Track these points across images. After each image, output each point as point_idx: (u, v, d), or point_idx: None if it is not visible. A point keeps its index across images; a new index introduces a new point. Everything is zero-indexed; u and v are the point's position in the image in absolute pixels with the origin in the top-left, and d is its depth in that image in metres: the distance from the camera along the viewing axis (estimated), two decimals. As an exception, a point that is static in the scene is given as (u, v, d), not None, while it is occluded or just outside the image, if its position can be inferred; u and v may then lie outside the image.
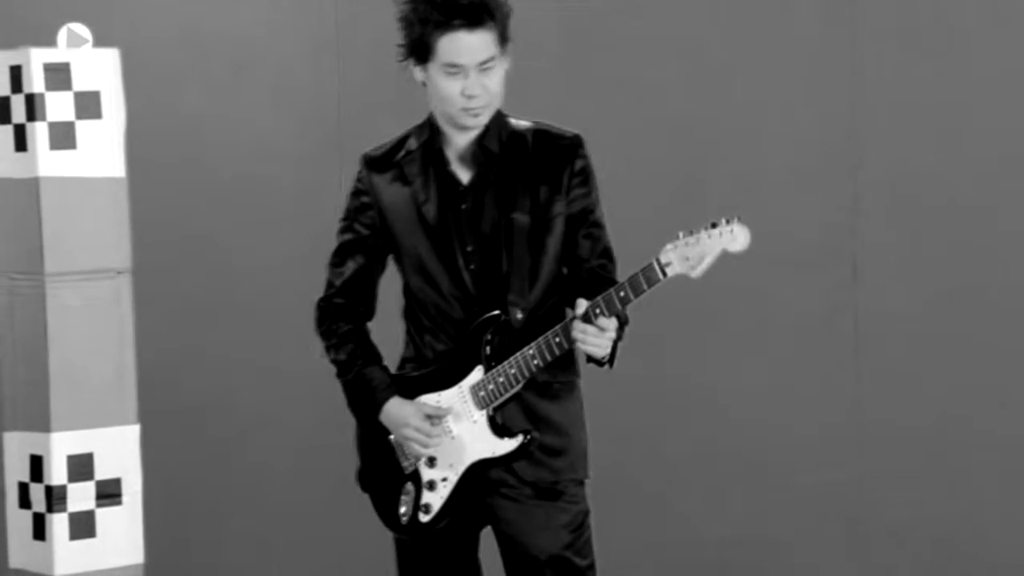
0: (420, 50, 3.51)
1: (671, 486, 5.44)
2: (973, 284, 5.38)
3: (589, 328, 3.41)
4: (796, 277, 5.41)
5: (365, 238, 3.65)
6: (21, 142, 3.86)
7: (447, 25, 3.45)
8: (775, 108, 5.41)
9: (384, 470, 3.65)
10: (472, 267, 3.56)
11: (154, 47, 5.22)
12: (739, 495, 5.44)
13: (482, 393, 3.54)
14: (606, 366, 3.51)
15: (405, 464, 3.62)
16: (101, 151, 3.90)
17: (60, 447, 3.88)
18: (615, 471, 5.34)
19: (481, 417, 3.54)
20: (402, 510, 3.61)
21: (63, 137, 3.86)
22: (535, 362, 3.49)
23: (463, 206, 3.57)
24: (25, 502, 3.94)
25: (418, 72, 3.55)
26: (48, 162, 3.85)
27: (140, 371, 3.99)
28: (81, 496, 3.90)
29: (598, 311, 3.41)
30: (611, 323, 3.41)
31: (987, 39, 5.37)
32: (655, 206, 5.28)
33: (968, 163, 5.38)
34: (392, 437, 3.63)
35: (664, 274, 3.39)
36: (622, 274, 3.51)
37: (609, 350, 3.44)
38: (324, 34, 5.37)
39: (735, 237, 3.40)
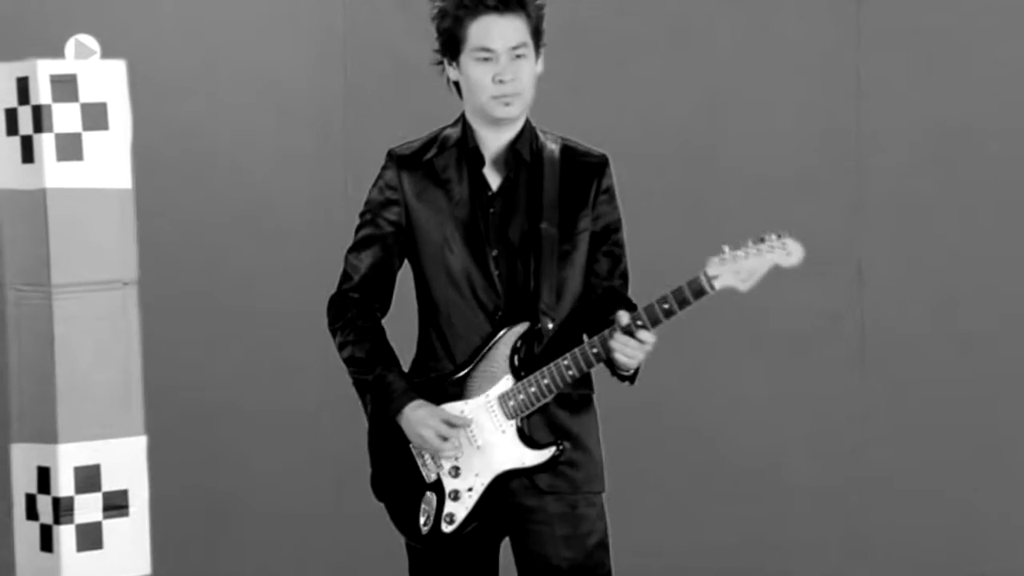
0: (452, 44, 3.52)
1: (674, 492, 5.44)
2: (978, 289, 5.38)
3: (630, 340, 3.40)
4: (801, 282, 5.40)
5: (388, 234, 3.60)
6: (28, 154, 3.86)
7: (478, 9, 3.48)
8: (779, 113, 5.42)
9: (403, 478, 3.61)
10: (498, 272, 3.54)
11: (161, 58, 5.23)
12: (742, 501, 5.44)
13: (512, 403, 3.50)
14: (627, 383, 3.52)
15: (426, 473, 3.57)
16: (108, 162, 3.90)
17: (67, 459, 3.88)
18: (618, 478, 5.34)
19: (510, 427, 3.51)
20: (422, 520, 3.57)
21: (70, 148, 3.86)
22: (570, 372, 3.46)
23: (491, 210, 3.55)
24: (32, 514, 3.94)
25: (451, 70, 3.55)
26: (55, 173, 3.85)
27: (147, 382, 3.99)
28: (88, 507, 3.90)
29: (639, 323, 3.40)
30: (651, 337, 3.41)
31: (992, 45, 5.38)
32: (659, 213, 5.28)
33: (972, 168, 5.38)
34: (412, 445, 3.58)
35: (712, 288, 3.40)
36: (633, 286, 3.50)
37: (641, 362, 3.44)
38: (329, 43, 5.37)
39: (789, 252, 3.42)
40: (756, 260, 3.40)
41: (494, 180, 3.57)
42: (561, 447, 3.51)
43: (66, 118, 3.85)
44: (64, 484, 3.88)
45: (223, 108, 5.33)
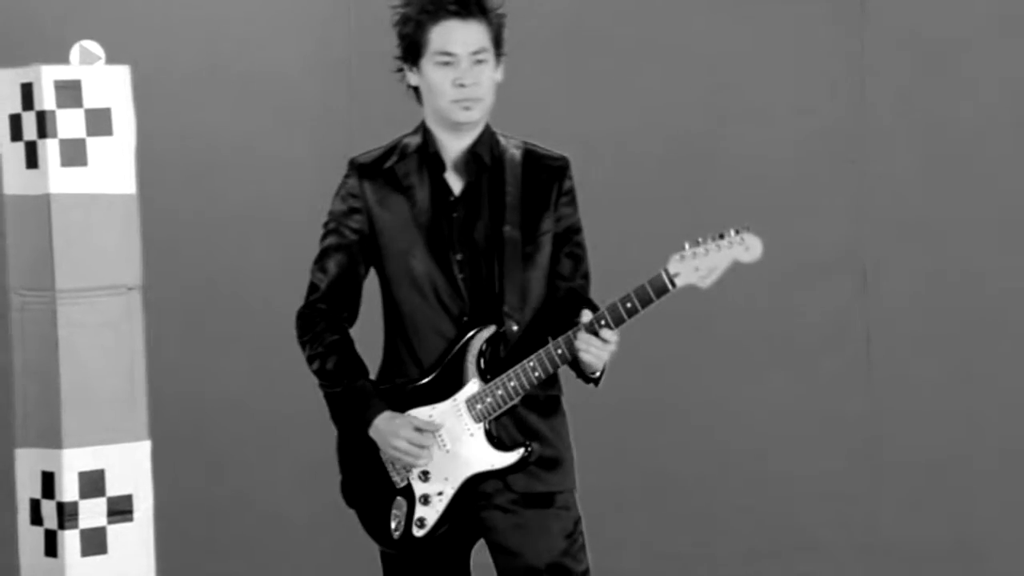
0: (413, 49, 3.54)
1: (682, 497, 5.44)
2: (983, 293, 5.38)
3: (593, 339, 3.41)
4: (805, 288, 5.41)
5: (352, 243, 3.61)
6: (32, 159, 3.87)
7: (439, 14, 3.50)
8: (782, 118, 5.42)
9: (372, 484, 3.62)
10: (462, 276, 3.55)
11: (165, 63, 5.23)
12: (749, 509, 5.43)
13: (479, 406, 3.51)
14: (592, 384, 3.52)
15: (396, 479, 3.58)
16: (112, 167, 3.91)
17: (71, 463, 3.88)
18: (625, 485, 5.34)
19: (478, 430, 3.52)
20: (393, 524, 3.58)
21: (74, 154, 3.87)
22: (535, 374, 3.47)
23: (454, 215, 3.56)
24: (37, 519, 3.94)
25: (412, 75, 3.58)
26: (59, 179, 3.86)
27: (151, 387, 3.99)
28: (93, 512, 3.90)
29: (603, 322, 3.41)
30: (614, 336, 3.42)
31: (996, 49, 5.37)
32: (660, 218, 5.28)
33: (976, 172, 5.38)
34: (382, 452, 3.59)
35: (673, 285, 3.40)
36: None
37: (606, 362, 3.45)
38: (334, 48, 5.38)
39: (747, 247, 3.40)
40: (716, 256, 3.39)
41: (456, 185, 3.58)
42: (529, 448, 3.52)
43: (70, 124, 3.86)
44: (68, 489, 3.88)
45: (227, 113, 5.33)
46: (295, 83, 5.37)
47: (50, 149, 3.84)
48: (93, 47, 3.90)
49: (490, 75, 3.54)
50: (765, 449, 5.44)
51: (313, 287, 3.66)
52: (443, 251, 3.55)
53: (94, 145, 3.89)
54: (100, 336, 3.91)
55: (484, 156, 3.57)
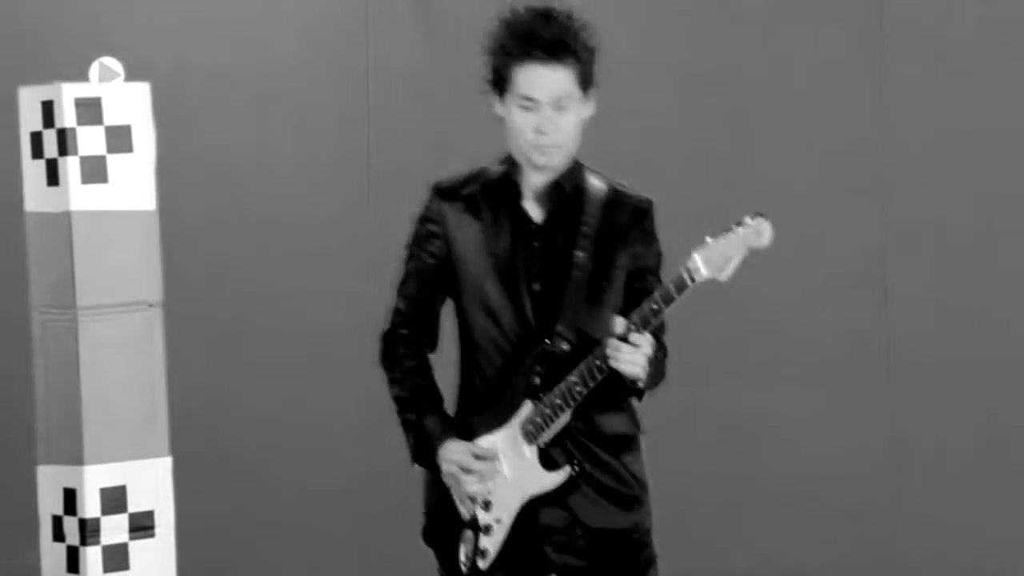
0: (499, 82, 3.48)
1: (700, 514, 5.42)
2: (1005, 306, 5.36)
3: (623, 345, 3.35)
4: (826, 302, 5.40)
5: (430, 267, 3.58)
6: (53, 176, 3.87)
7: (525, 56, 3.43)
8: (803, 132, 5.41)
9: (446, 520, 3.56)
10: (536, 306, 3.50)
11: (184, 80, 5.25)
12: (769, 523, 5.42)
13: (530, 427, 3.46)
14: (635, 397, 3.48)
15: (463, 511, 3.52)
16: (132, 184, 3.91)
17: (93, 480, 3.88)
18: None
19: (531, 452, 3.47)
20: (461, 557, 3.52)
21: (95, 171, 3.87)
22: (577, 388, 3.41)
23: (535, 243, 3.52)
24: (59, 535, 3.94)
25: (497, 105, 3.52)
26: (80, 196, 3.86)
27: (172, 403, 4.00)
28: (114, 529, 3.90)
29: (632, 327, 3.36)
30: (644, 339, 3.36)
31: (1016, 57, 5.36)
32: (682, 233, 5.26)
33: (997, 185, 5.37)
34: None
35: (692, 279, 3.34)
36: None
37: (643, 368, 3.37)
38: (353, 65, 5.39)
39: (759, 233, 3.35)
40: (728, 246, 3.34)
41: (536, 214, 3.53)
42: (577, 464, 3.46)
43: (91, 141, 3.86)
44: (90, 505, 3.88)
45: (246, 129, 5.35)
46: (314, 99, 5.38)
47: (71, 166, 3.85)
48: (113, 64, 3.90)
49: (573, 119, 3.48)
50: (784, 465, 5.42)
51: (395, 311, 3.63)
52: (518, 279, 3.50)
53: (114, 162, 3.89)
54: (121, 353, 3.92)
55: (566, 187, 3.52)
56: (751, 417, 5.42)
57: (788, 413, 5.41)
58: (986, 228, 5.37)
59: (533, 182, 3.54)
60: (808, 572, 5.41)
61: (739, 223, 3.36)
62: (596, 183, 3.56)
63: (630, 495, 3.56)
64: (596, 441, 3.52)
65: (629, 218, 3.56)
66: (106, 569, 3.90)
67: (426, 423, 3.52)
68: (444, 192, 3.59)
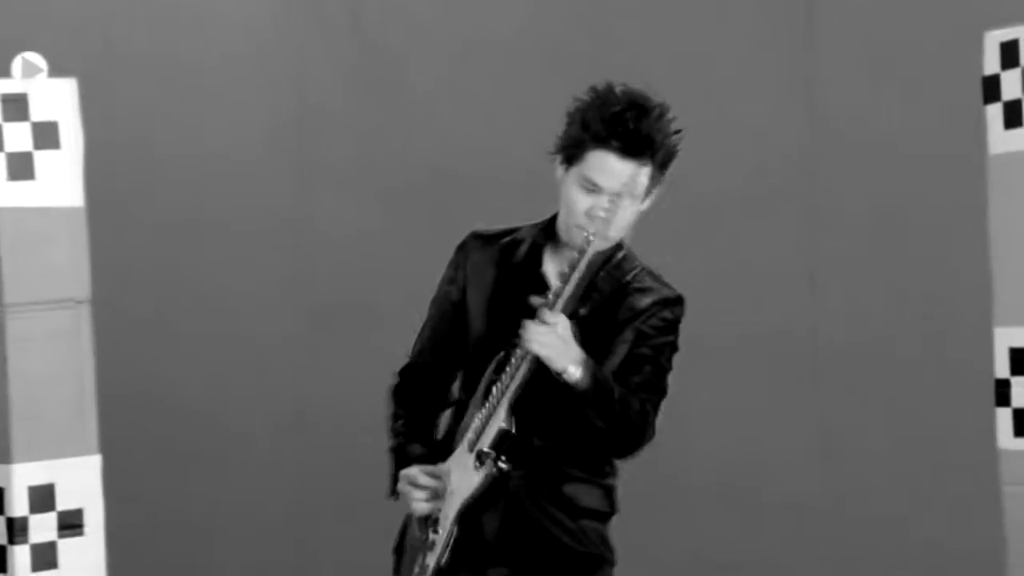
0: (569, 152, 3.41)
1: (632, 510, 5.44)
2: (931, 298, 5.41)
3: (534, 325, 3.28)
4: (753, 294, 5.43)
5: (447, 310, 3.57)
6: (-21, 173, 3.86)
7: (604, 142, 3.35)
8: (730, 126, 5.45)
9: (408, 544, 3.59)
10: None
11: (113, 75, 5.23)
12: (708, 520, 5.44)
13: (472, 435, 3.44)
14: (579, 394, 3.37)
15: (418, 533, 3.52)
16: (60, 181, 3.89)
17: (21, 478, 3.86)
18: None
19: (470, 459, 3.43)
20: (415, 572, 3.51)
21: (21, 168, 3.85)
22: (504, 381, 3.37)
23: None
24: (-13, 535, 3.92)
25: (559, 170, 3.44)
26: (6, 193, 3.84)
27: (101, 401, 3.98)
28: (43, 527, 3.88)
29: (544, 303, 3.28)
30: (555, 317, 3.28)
31: (945, 56, 5.41)
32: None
33: (924, 178, 5.41)
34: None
35: (589, 241, 3.25)
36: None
37: (556, 349, 3.28)
38: (284, 60, 5.38)
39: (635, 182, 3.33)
40: (611, 208, 3.28)
41: (554, 280, 3.39)
42: (496, 461, 3.39)
43: (17, 137, 3.84)
44: (18, 504, 3.86)
45: (175, 124, 5.33)
46: (244, 95, 5.37)
47: (-3, 163, 3.83)
48: (35, 59, 3.88)
49: (631, 211, 3.40)
50: (719, 460, 5.45)
51: (415, 345, 3.64)
52: (510, 334, 3.38)
53: (41, 159, 3.87)
54: (49, 350, 3.90)
55: (601, 274, 3.46)
56: (677, 411, 5.43)
57: (718, 408, 5.44)
58: (912, 220, 5.41)
59: (565, 251, 3.44)
60: (743, 567, 5.44)
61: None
62: (629, 264, 3.50)
63: (582, 553, 3.54)
64: (561, 506, 3.51)
65: (655, 302, 3.49)
66: (35, 568, 3.87)
67: (407, 450, 3.53)
68: (478, 238, 3.58)
